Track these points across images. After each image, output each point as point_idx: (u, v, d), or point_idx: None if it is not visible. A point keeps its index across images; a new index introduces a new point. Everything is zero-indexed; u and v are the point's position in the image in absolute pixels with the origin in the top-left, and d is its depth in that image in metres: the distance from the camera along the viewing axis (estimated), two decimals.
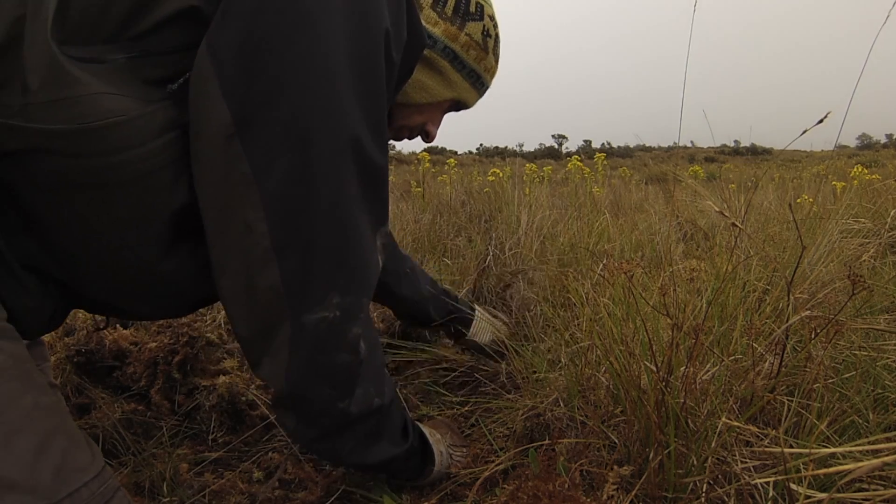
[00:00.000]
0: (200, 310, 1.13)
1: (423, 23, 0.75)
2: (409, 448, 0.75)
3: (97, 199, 0.54)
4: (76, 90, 0.49)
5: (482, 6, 0.80)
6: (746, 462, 0.65)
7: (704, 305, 0.99)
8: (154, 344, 1.04)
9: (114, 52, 0.52)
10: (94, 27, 0.51)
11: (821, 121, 0.67)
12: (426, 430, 0.83)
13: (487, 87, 0.89)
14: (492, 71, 0.86)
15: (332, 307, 0.59)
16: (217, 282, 0.60)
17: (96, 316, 1.14)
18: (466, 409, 1.11)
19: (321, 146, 0.55)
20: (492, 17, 0.83)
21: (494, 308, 1.45)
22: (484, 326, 1.25)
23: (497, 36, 0.84)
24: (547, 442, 0.78)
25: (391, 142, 0.88)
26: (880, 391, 0.82)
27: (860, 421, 0.74)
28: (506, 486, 0.65)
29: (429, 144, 0.95)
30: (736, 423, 0.62)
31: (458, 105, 0.87)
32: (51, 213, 0.55)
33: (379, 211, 0.64)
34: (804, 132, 0.69)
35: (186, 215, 0.58)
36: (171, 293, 0.65)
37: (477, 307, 1.26)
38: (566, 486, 0.62)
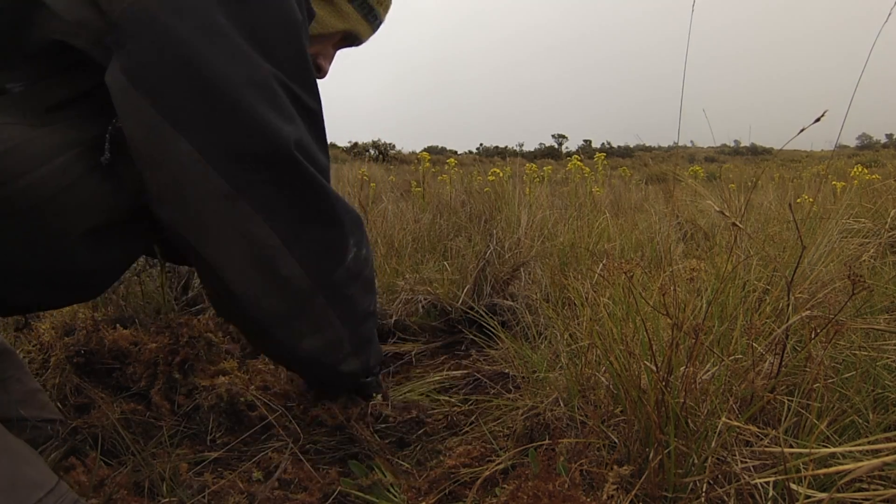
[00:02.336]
0: (197, 309, 1.13)
1: None
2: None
3: (8, 226, 0.52)
4: None
5: None
6: (746, 462, 0.65)
7: (704, 305, 0.99)
8: (154, 344, 1.04)
9: (9, 81, 0.52)
10: None
11: (818, 119, 0.67)
12: None
13: (381, 22, 0.87)
14: (385, 4, 0.86)
15: (352, 247, 0.70)
16: (229, 287, 0.63)
17: (95, 315, 1.14)
18: (466, 407, 1.11)
19: (280, 131, 0.57)
20: None
21: (494, 307, 1.46)
22: None
23: None
24: (547, 442, 0.78)
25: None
26: (880, 391, 0.82)
27: (860, 421, 0.74)
28: (506, 485, 0.65)
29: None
30: (736, 423, 0.62)
31: (351, 38, 0.85)
32: None
33: (326, 150, 0.69)
34: (802, 130, 0.69)
35: (102, 231, 0.58)
36: (93, 286, 0.68)
37: None
38: (566, 486, 0.62)
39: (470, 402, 1.12)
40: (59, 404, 0.96)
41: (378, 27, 0.88)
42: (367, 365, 0.86)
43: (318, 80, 0.72)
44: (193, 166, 0.54)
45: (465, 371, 1.23)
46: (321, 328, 0.72)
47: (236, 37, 0.55)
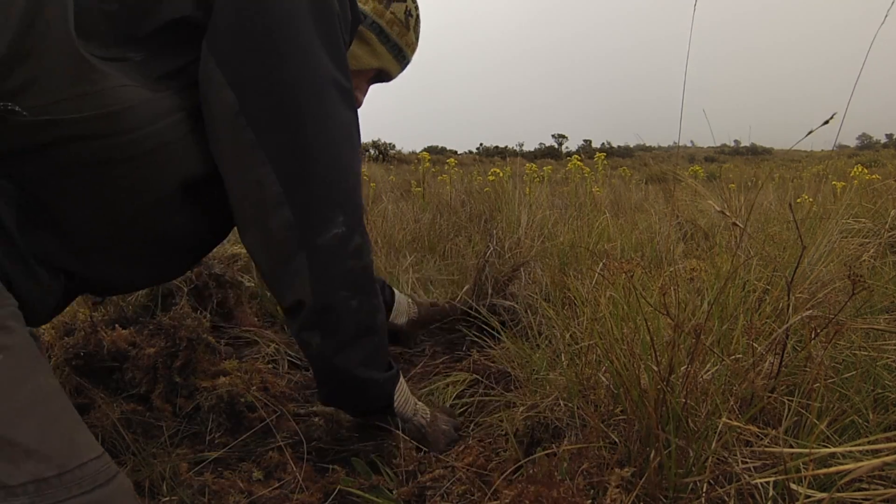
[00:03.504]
0: (195, 311, 1.13)
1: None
2: (390, 376, 0.86)
3: (116, 173, 0.62)
4: (102, 84, 0.58)
5: None
6: (746, 462, 0.65)
7: (705, 305, 0.99)
8: (152, 349, 1.03)
9: (132, 51, 0.62)
10: (107, 33, 0.61)
11: (826, 122, 0.67)
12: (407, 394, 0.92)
13: (408, 62, 1.01)
14: (412, 47, 1.00)
15: (339, 224, 0.71)
16: (242, 240, 0.74)
17: (92, 316, 1.14)
18: (466, 407, 1.11)
19: (305, 93, 0.68)
20: (414, 0, 0.98)
21: (494, 307, 1.46)
22: (402, 309, 1.30)
23: (418, 17, 0.98)
24: (551, 450, 0.78)
25: None
26: (880, 391, 0.82)
27: (860, 421, 0.74)
28: (507, 490, 0.65)
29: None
30: (736, 423, 0.62)
31: (382, 75, 0.99)
32: (70, 197, 0.62)
33: (357, 140, 0.77)
34: (809, 133, 0.68)
35: (194, 184, 0.68)
36: (173, 252, 0.76)
37: (396, 291, 1.29)
38: (571, 492, 0.62)
39: (470, 402, 1.12)
40: None
41: (405, 67, 1.02)
42: (372, 366, 0.81)
43: None
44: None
45: (466, 371, 1.23)
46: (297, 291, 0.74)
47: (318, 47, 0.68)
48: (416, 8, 0.98)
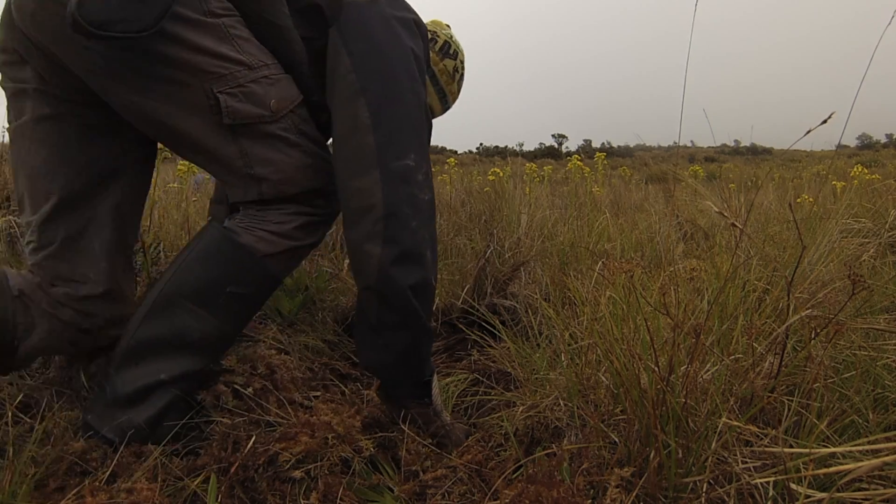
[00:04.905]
0: None
1: None
2: (429, 338, 0.95)
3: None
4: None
5: (458, 52, 1.20)
6: (746, 462, 0.65)
7: (705, 305, 0.99)
8: None
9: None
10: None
11: (825, 121, 0.67)
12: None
13: (449, 107, 1.25)
14: (454, 96, 1.24)
15: (410, 159, 0.89)
16: (335, 156, 0.91)
17: None
18: (467, 407, 1.11)
19: (402, 83, 0.92)
20: (462, 62, 1.22)
21: (494, 307, 1.46)
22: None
23: (462, 74, 1.23)
24: (551, 450, 0.78)
25: None
26: (880, 391, 0.82)
27: (860, 421, 0.75)
28: (508, 490, 0.65)
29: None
30: (736, 423, 0.63)
31: (427, 109, 1.15)
32: None
33: (424, 111, 0.97)
34: (808, 132, 0.68)
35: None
36: None
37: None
38: (571, 492, 0.62)
39: (470, 405, 1.12)
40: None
41: (446, 110, 1.25)
42: (429, 279, 0.90)
43: None
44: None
45: (466, 370, 1.23)
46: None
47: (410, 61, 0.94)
48: (463, 67, 1.23)
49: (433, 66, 1.16)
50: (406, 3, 1.01)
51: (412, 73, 0.94)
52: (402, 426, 0.90)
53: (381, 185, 0.86)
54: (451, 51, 1.19)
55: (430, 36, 1.15)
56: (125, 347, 0.83)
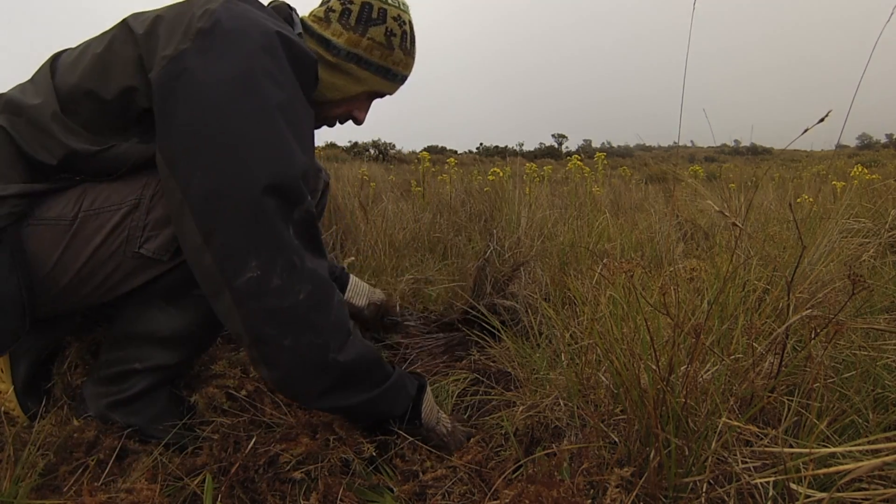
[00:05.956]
0: None
1: (330, 35, 0.97)
2: (384, 391, 0.85)
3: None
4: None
5: (385, 10, 0.98)
6: (746, 462, 0.65)
7: (705, 305, 0.99)
8: None
9: (132, 138, 0.82)
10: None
11: (822, 119, 0.67)
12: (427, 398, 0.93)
13: (404, 76, 1.05)
14: (402, 63, 1.02)
15: (250, 269, 0.75)
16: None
17: None
18: (467, 407, 1.11)
19: (225, 169, 0.74)
20: (396, 18, 0.99)
21: (494, 307, 1.45)
22: (360, 290, 1.33)
23: (404, 32, 1.00)
24: (551, 449, 0.78)
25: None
26: (880, 391, 0.82)
27: (860, 421, 0.75)
28: (508, 490, 0.65)
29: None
30: (736, 423, 0.62)
31: (377, 94, 1.05)
32: None
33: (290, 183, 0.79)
34: (805, 131, 0.68)
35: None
36: None
37: (353, 277, 1.35)
38: (571, 492, 0.62)
39: (470, 405, 1.12)
40: None
41: (402, 81, 1.05)
42: (343, 370, 0.80)
43: (357, 127, 1.08)
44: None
45: (467, 370, 1.23)
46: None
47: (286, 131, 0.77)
48: (401, 24, 0.99)
49: (354, 49, 0.97)
50: (247, 16, 0.78)
51: (246, 139, 0.75)
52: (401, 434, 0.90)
53: (237, 310, 0.75)
54: (373, 15, 0.97)
55: (341, 7, 0.97)
56: (109, 336, 0.92)
